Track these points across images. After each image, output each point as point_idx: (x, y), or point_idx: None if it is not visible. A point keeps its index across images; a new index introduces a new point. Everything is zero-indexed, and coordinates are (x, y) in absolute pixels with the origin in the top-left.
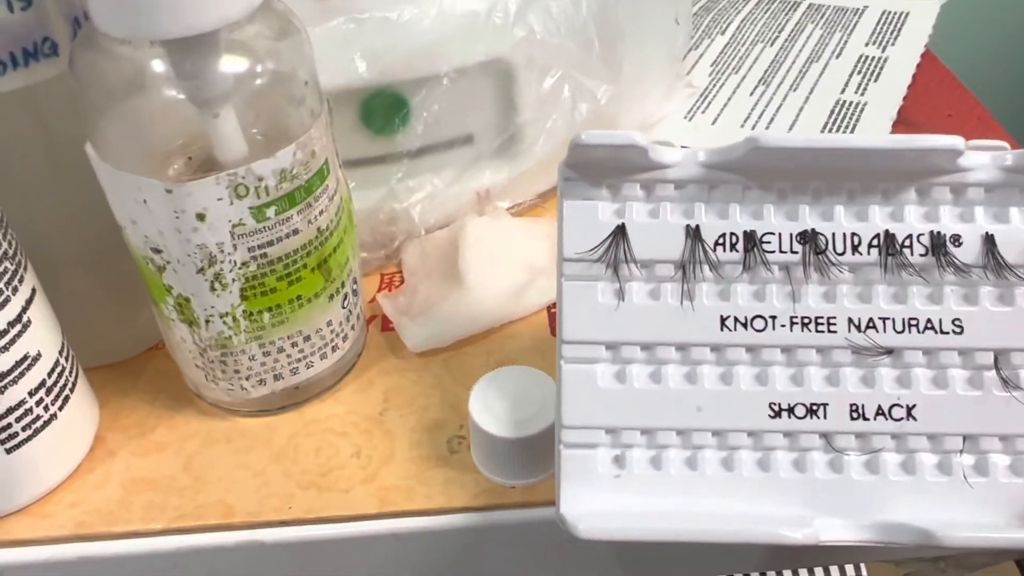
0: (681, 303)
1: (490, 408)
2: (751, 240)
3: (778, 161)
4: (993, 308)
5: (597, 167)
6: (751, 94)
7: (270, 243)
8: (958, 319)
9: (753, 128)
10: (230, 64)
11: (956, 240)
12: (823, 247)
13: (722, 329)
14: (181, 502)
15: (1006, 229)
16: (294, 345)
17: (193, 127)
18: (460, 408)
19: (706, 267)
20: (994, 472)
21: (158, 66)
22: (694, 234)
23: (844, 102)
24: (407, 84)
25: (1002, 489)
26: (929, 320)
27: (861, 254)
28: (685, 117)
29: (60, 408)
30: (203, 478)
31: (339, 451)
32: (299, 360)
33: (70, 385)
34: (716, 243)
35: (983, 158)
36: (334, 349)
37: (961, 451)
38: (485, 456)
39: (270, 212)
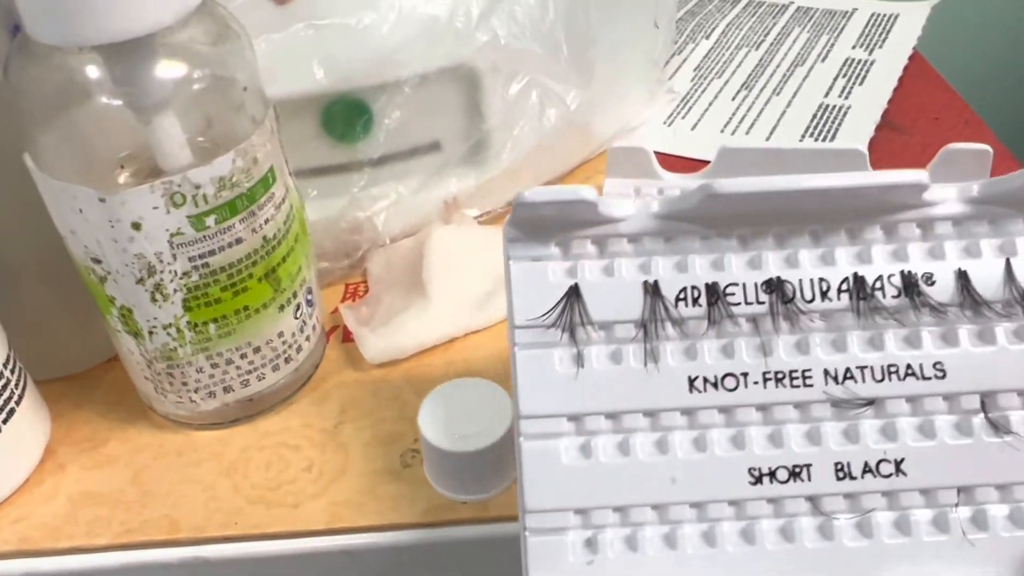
0: (645, 365)
1: (440, 422)
2: (714, 293)
3: (736, 207)
4: (974, 348)
5: (545, 224)
6: (733, 99)
7: (212, 252)
8: (939, 362)
9: (733, 133)
10: (166, 69)
11: (928, 279)
12: (791, 295)
13: (691, 391)
14: (127, 517)
15: (978, 264)
16: (243, 357)
17: (138, 136)
18: (416, 421)
19: (668, 325)
20: (994, 525)
21: (93, 73)
22: (653, 290)
23: (827, 106)
24: (368, 90)
25: (1003, 544)
26: (909, 366)
27: (831, 300)
28: (665, 123)
29: (3, 421)
30: (151, 492)
31: (290, 465)
32: (249, 372)
33: (15, 398)
34: (677, 298)
35: (949, 191)
36: (287, 361)
37: (956, 504)
38: (435, 471)
39: (210, 221)
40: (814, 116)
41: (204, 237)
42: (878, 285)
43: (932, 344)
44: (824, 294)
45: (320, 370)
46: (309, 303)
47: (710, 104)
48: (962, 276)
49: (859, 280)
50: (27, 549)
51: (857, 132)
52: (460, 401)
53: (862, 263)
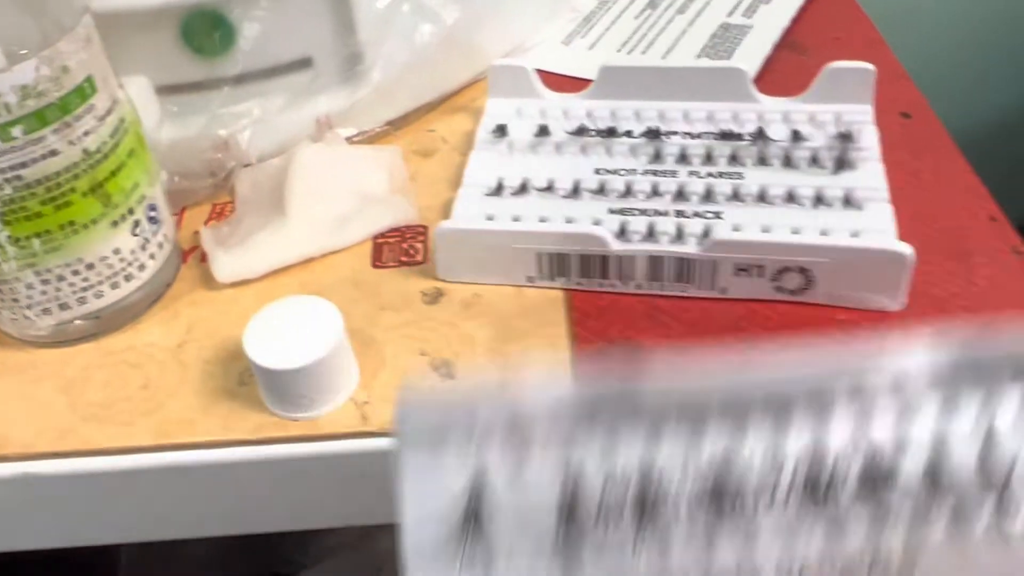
0: None
1: (266, 340)
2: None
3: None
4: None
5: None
6: (636, 17)
7: (23, 164)
8: None
9: (630, 53)
10: None
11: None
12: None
13: None
14: None
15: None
16: (76, 274)
17: None
18: None
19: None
20: None
21: None
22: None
23: (728, 25)
24: (227, 1)
25: None
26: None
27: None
28: (563, 42)
29: None
30: None
31: (128, 383)
32: (85, 289)
33: None
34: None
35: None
36: (128, 278)
37: None
38: (264, 389)
39: (16, 131)
40: (713, 35)
41: (12, 148)
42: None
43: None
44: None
45: (173, 290)
46: (152, 220)
47: (613, 23)
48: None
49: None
50: None
51: (754, 52)
52: (289, 319)
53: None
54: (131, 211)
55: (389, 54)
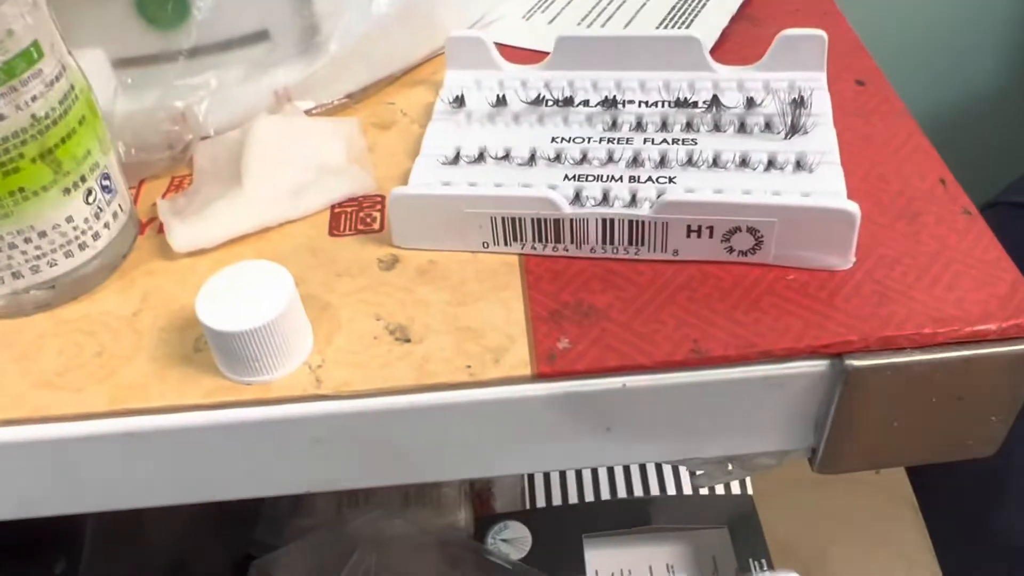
0: None
1: (217, 303)
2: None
3: None
4: None
5: None
6: None
7: None
8: None
9: (590, 26)
10: None
11: None
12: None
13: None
14: None
15: None
16: (27, 241)
17: None
18: None
19: None
20: None
21: None
22: None
23: None
24: None
25: None
26: None
27: None
28: (523, 16)
29: None
30: None
31: (82, 351)
32: (38, 258)
33: None
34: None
35: None
36: (82, 247)
37: None
38: (217, 353)
39: None
40: (672, 8)
41: None
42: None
43: None
44: None
45: (129, 260)
46: (106, 189)
47: None
48: None
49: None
50: None
51: (711, 24)
52: (241, 283)
53: None
54: (83, 179)
55: (346, 25)
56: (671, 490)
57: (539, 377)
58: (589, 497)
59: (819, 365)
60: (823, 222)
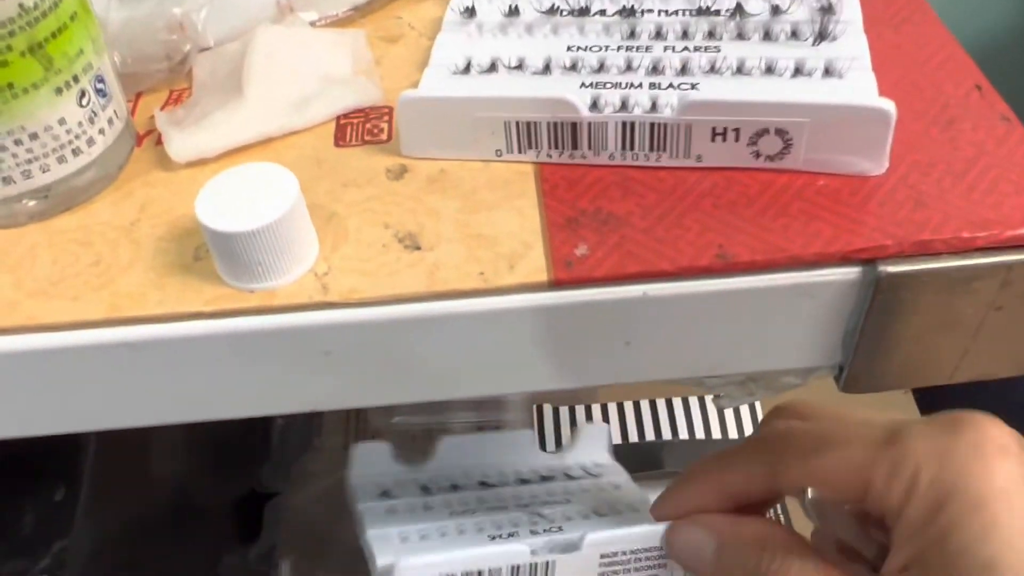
0: None
1: (219, 205)
2: None
3: None
4: None
5: None
6: None
7: None
8: None
9: None
10: None
11: None
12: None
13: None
14: None
15: None
16: (18, 143)
17: None
18: None
19: None
20: None
21: None
22: None
23: None
24: None
25: None
26: None
27: None
28: None
29: None
30: None
31: (78, 260)
32: (29, 161)
33: None
34: None
35: None
36: (76, 153)
37: None
38: (219, 257)
39: None
40: None
41: None
42: None
43: None
44: None
45: (127, 172)
46: (100, 93)
47: None
48: None
49: None
50: None
51: None
52: (244, 185)
53: None
54: (76, 79)
55: None
56: (683, 435)
57: (556, 284)
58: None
59: (850, 272)
60: (856, 122)
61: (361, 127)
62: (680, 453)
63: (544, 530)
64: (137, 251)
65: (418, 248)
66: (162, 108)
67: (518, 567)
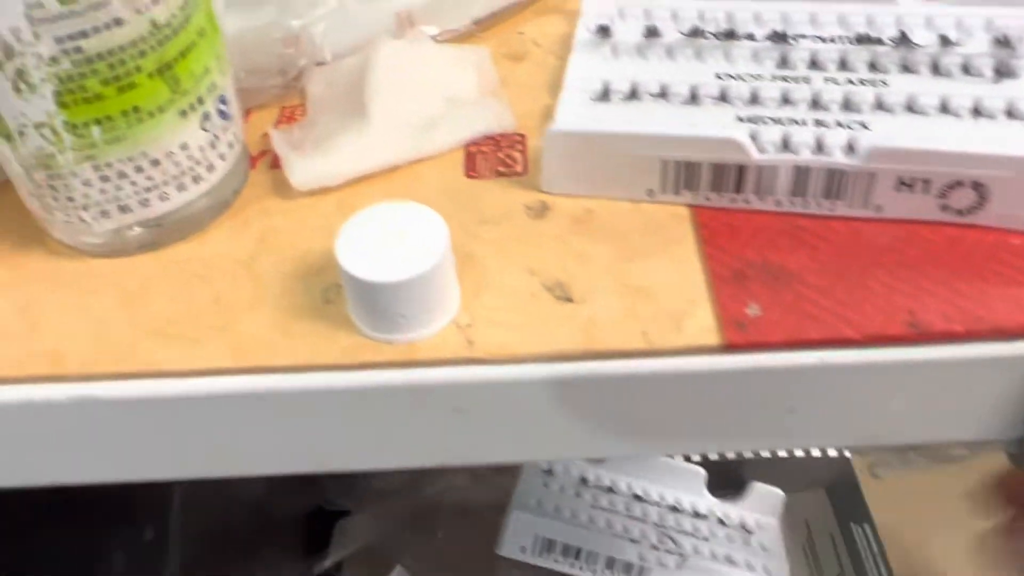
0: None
1: (361, 249)
2: None
3: None
4: None
5: None
6: None
7: (84, 34)
8: None
9: None
10: None
11: None
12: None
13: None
14: (7, 349)
15: None
16: (139, 170)
17: None
18: None
19: None
20: None
21: None
22: None
23: None
24: None
25: None
26: None
27: None
28: None
29: None
30: (38, 323)
31: (197, 296)
32: (149, 189)
33: None
34: None
35: None
36: (196, 180)
37: None
38: (356, 305)
39: None
40: None
41: (72, 13)
42: None
43: None
44: None
45: (242, 197)
46: (222, 115)
47: None
48: None
49: None
50: None
51: None
52: (387, 227)
53: None
54: (200, 100)
55: None
56: (764, 452)
57: (728, 347)
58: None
59: None
60: None
61: (492, 156)
62: (762, 470)
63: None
64: (260, 289)
65: (570, 300)
66: (276, 126)
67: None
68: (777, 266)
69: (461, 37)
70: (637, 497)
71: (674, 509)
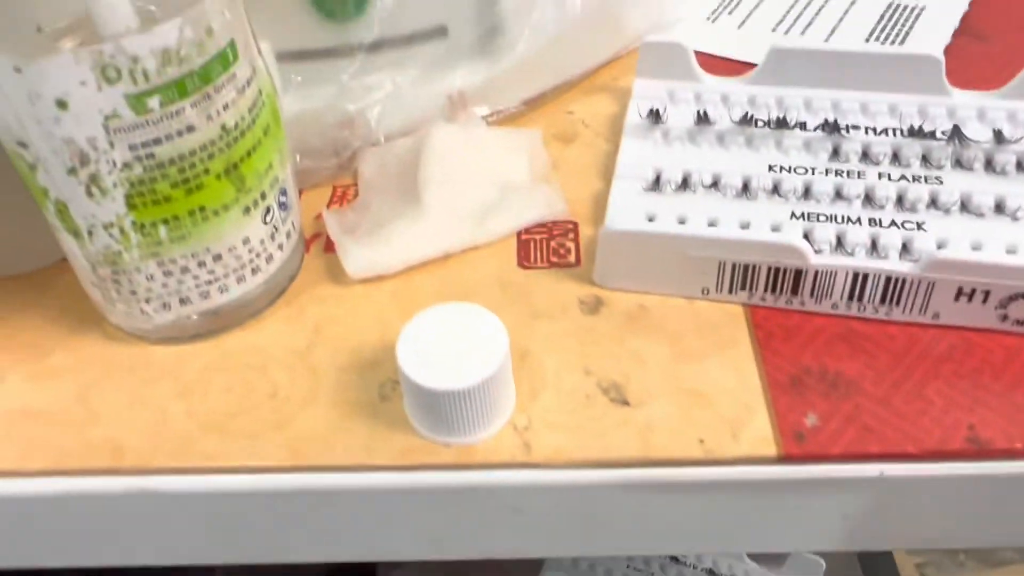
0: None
1: (422, 353)
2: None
3: None
4: None
5: None
6: None
7: (157, 141)
8: None
9: (786, 33)
10: None
11: None
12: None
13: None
14: (67, 440)
15: None
16: (201, 265)
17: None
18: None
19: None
20: None
21: None
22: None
23: (897, 5)
24: None
25: None
26: None
27: None
28: (708, 18)
29: None
30: (96, 413)
31: (253, 389)
32: (210, 283)
33: None
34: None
35: None
36: (255, 271)
37: None
38: (415, 408)
39: (153, 103)
40: (881, 17)
41: (147, 122)
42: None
43: None
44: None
45: (297, 283)
46: (283, 206)
47: None
48: None
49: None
50: None
51: (931, 38)
52: (447, 329)
53: None
54: (263, 196)
55: (536, 25)
56: None
57: (786, 459)
58: None
59: None
60: None
61: (545, 245)
62: None
63: None
64: (316, 383)
65: (626, 403)
66: (328, 207)
67: None
68: (834, 373)
69: (512, 117)
70: (674, 559)
71: (711, 573)
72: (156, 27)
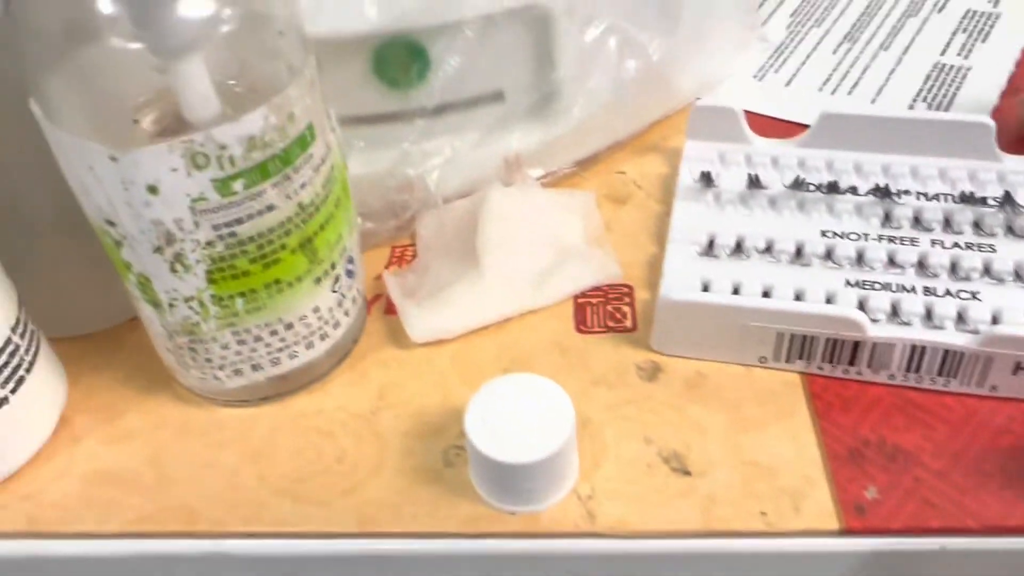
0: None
1: (490, 424)
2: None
3: None
4: None
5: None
6: (834, 52)
7: (239, 221)
8: None
9: (833, 93)
10: (190, 6)
11: None
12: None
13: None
14: (142, 502)
15: None
16: (274, 334)
17: (157, 81)
18: (462, 412)
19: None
20: None
21: (105, 7)
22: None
23: (943, 65)
24: (425, 32)
25: None
26: None
27: None
28: (755, 76)
29: (12, 391)
30: (170, 475)
31: (322, 454)
32: (281, 350)
33: (25, 365)
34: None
35: None
36: (323, 338)
37: None
38: (482, 478)
39: (237, 186)
40: (928, 77)
41: (231, 204)
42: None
43: None
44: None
45: (360, 346)
46: (349, 274)
47: (807, 57)
48: None
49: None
50: (35, 531)
51: (978, 99)
52: (513, 400)
53: None
54: (333, 266)
55: (592, 91)
56: None
57: (847, 532)
58: None
59: None
60: None
61: (602, 310)
62: None
63: None
64: (382, 448)
65: (687, 473)
66: (387, 267)
67: None
68: (892, 446)
69: (564, 177)
70: None
71: None
72: (243, 116)
